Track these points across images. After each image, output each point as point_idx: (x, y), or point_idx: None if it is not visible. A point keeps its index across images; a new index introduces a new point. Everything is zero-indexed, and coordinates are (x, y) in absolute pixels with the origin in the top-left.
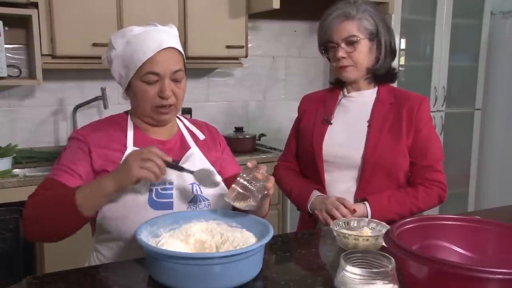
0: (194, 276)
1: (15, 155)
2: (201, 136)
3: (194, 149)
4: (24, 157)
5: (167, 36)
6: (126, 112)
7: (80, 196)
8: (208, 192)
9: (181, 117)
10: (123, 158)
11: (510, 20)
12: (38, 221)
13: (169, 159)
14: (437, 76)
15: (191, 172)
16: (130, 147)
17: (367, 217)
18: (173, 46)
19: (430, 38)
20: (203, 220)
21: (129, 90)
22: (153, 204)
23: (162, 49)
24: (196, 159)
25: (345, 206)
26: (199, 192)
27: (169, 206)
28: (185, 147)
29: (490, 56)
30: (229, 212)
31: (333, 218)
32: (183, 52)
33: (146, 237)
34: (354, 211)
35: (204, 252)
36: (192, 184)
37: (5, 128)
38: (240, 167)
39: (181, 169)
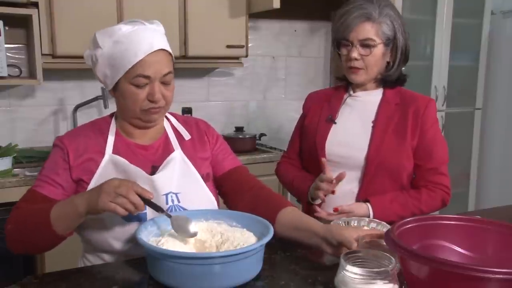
0: (195, 276)
1: (15, 154)
2: (187, 136)
3: (177, 153)
4: (25, 157)
5: (157, 37)
6: (111, 115)
7: (54, 214)
8: (189, 202)
9: (170, 116)
10: (99, 182)
11: (511, 20)
12: (18, 236)
13: (150, 196)
14: (438, 75)
15: (169, 216)
16: (109, 154)
17: (368, 217)
18: (163, 48)
19: (431, 37)
20: (203, 220)
21: (116, 91)
22: (126, 217)
23: (153, 51)
24: (176, 164)
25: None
26: (175, 202)
27: (143, 218)
28: (168, 151)
29: (490, 56)
30: (230, 212)
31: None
32: (172, 53)
33: (146, 237)
34: (332, 182)
35: (205, 252)
36: (167, 194)
37: (5, 128)
38: (239, 162)
39: (161, 210)
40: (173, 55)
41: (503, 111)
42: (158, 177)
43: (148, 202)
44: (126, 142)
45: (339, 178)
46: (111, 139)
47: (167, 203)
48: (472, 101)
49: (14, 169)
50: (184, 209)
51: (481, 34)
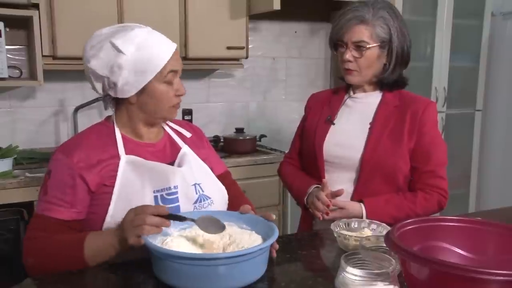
0: (199, 277)
1: (16, 156)
2: (188, 134)
3: (185, 149)
4: (25, 158)
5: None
6: (107, 119)
7: (89, 251)
8: (210, 191)
9: None
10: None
11: (510, 21)
12: (44, 270)
13: (165, 212)
14: (438, 76)
15: (193, 220)
16: (124, 156)
17: (361, 217)
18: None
19: (431, 38)
20: None
21: (142, 94)
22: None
23: (174, 49)
24: (191, 159)
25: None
26: (201, 192)
27: (176, 210)
28: (176, 147)
29: (490, 57)
30: (242, 214)
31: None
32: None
33: (154, 236)
34: (328, 206)
35: (208, 253)
36: (194, 184)
37: (6, 129)
38: (225, 167)
39: (183, 219)
40: None
41: (504, 112)
42: (184, 169)
43: (169, 216)
44: (134, 142)
45: (336, 194)
46: (120, 142)
47: (196, 192)
48: (473, 103)
49: (15, 170)
50: (209, 197)
51: (481, 35)
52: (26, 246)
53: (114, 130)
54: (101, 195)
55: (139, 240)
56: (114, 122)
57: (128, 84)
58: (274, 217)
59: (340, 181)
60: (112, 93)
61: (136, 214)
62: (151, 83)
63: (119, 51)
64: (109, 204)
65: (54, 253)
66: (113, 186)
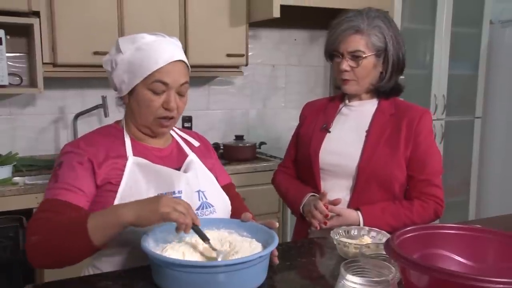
0: (199, 284)
1: (15, 163)
2: (196, 143)
3: (192, 157)
4: (25, 165)
5: (178, 49)
6: (117, 122)
7: (92, 224)
8: (212, 199)
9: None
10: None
11: (509, 29)
12: (46, 248)
13: (198, 223)
14: (437, 84)
15: (214, 249)
16: (131, 157)
17: (358, 225)
18: (183, 60)
19: (430, 46)
20: (215, 228)
21: (132, 96)
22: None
23: (173, 61)
24: (196, 167)
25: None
26: (204, 200)
27: None
28: (183, 155)
29: (489, 65)
30: (243, 222)
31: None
32: (189, 66)
33: (155, 242)
34: (326, 216)
35: (207, 261)
36: (198, 191)
37: (5, 136)
38: (230, 179)
39: (207, 240)
40: (190, 69)
41: (503, 119)
42: (189, 175)
43: (196, 228)
44: (142, 145)
45: (334, 204)
46: (128, 143)
47: (199, 199)
48: (472, 110)
49: (14, 178)
50: (211, 205)
51: (480, 43)
52: (30, 226)
53: (123, 131)
54: (104, 192)
55: (173, 214)
56: (124, 124)
57: (123, 83)
58: (277, 224)
59: (336, 189)
60: (116, 91)
61: (182, 203)
62: (138, 87)
63: (118, 50)
64: (112, 203)
65: (58, 228)
66: (118, 185)
